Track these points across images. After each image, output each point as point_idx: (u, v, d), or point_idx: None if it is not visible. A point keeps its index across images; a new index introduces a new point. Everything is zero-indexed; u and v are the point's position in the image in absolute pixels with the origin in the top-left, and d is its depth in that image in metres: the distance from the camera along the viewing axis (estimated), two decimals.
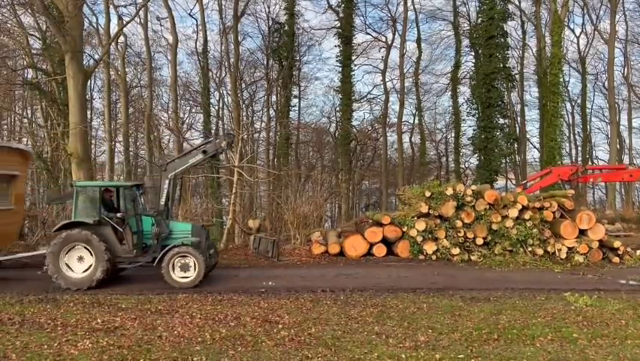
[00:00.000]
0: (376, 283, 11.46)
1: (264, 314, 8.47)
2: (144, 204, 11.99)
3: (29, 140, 30.74)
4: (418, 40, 35.80)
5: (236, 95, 29.54)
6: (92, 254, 10.54)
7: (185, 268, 10.75)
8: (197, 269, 10.72)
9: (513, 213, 14.77)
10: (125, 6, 26.35)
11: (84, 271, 10.57)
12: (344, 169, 32.26)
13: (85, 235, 10.51)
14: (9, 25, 20.93)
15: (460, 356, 6.47)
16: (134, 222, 11.10)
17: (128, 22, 22.60)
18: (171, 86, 30.62)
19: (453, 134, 37.28)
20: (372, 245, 15.31)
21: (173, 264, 10.72)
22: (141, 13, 26.71)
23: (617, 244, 14.75)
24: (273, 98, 34.76)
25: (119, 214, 11.11)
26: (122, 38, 28.20)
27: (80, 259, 10.63)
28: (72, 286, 10.40)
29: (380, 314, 8.51)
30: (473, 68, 33.60)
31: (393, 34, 36.00)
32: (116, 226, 10.90)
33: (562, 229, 14.66)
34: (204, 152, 11.55)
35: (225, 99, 34.68)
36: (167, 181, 11.21)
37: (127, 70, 31.39)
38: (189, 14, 41.45)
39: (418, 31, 35.97)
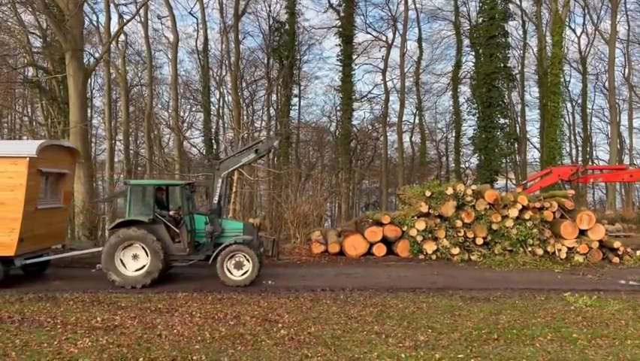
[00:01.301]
0: (376, 282, 11.46)
1: (264, 313, 8.47)
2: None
3: (29, 138, 30.76)
4: (419, 40, 35.86)
5: (236, 94, 29.53)
6: (146, 252, 10.60)
7: (239, 266, 10.83)
8: (251, 267, 10.79)
9: (513, 213, 14.77)
10: (125, 4, 26.41)
11: (139, 270, 10.63)
12: (344, 168, 32.27)
13: (140, 234, 10.56)
14: (9, 24, 20.93)
15: (459, 355, 6.47)
16: (189, 220, 11.17)
17: (128, 21, 22.61)
18: (171, 84, 30.63)
19: (453, 134, 37.30)
20: (372, 245, 15.31)
21: (227, 262, 10.81)
22: (142, 11, 26.70)
23: (617, 244, 14.75)
24: (274, 97, 34.79)
25: (171, 212, 11.30)
26: (122, 37, 28.24)
27: (135, 257, 10.70)
28: (127, 285, 10.44)
29: (380, 314, 8.51)
30: (474, 68, 33.60)
31: (394, 34, 36.06)
32: (169, 224, 10.99)
33: (562, 229, 14.66)
34: (256, 151, 11.63)
35: (226, 98, 34.73)
36: (220, 180, 11.29)
37: (127, 68, 31.40)
38: (190, 13, 41.69)
39: (419, 30, 36.04)
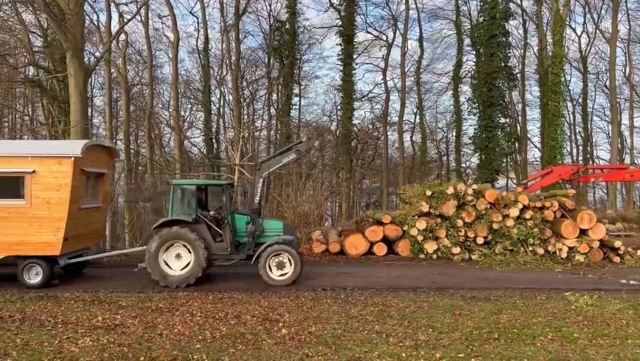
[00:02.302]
0: (377, 282, 11.47)
1: (265, 313, 8.47)
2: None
3: (30, 138, 30.78)
4: (420, 39, 35.82)
5: (237, 94, 29.54)
6: (190, 252, 10.64)
7: (280, 266, 10.88)
8: (293, 267, 10.84)
9: (514, 212, 14.76)
10: (126, 4, 26.42)
11: (182, 269, 10.67)
12: (345, 168, 32.23)
13: (184, 233, 10.60)
14: (10, 23, 20.93)
15: (460, 355, 6.47)
16: (232, 220, 11.22)
17: (129, 20, 22.63)
18: (172, 84, 30.63)
19: (454, 134, 37.25)
20: (372, 244, 15.32)
21: (270, 262, 10.84)
22: (142, 10, 26.71)
23: (617, 243, 14.74)
24: (274, 96, 34.77)
25: (211, 212, 11.37)
26: (123, 36, 28.24)
27: (178, 256, 10.74)
28: (171, 284, 10.49)
29: (380, 313, 8.51)
30: (474, 67, 33.56)
31: (395, 33, 36.04)
32: (210, 223, 11.04)
33: (563, 228, 14.65)
34: (297, 151, 11.69)
35: (226, 97, 34.69)
36: (261, 180, 11.32)
37: (128, 68, 31.40)
38: (190, 12, 41.62)
39: (420, 29, 36.02)
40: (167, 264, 10.70)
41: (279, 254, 10.87)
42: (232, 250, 11.08)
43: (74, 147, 10.96)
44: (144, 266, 10.85)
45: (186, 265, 10.68)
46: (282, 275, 10.86)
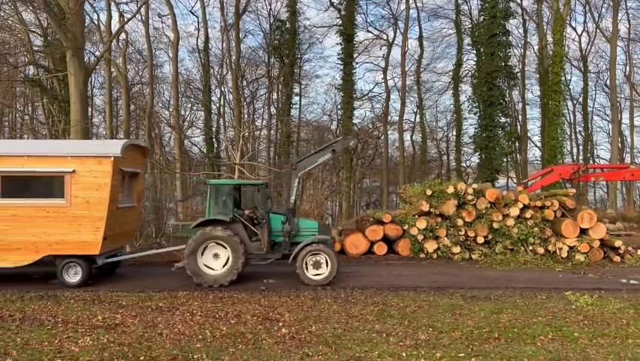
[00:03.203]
0: (377, 281, 11.47)
1: (265, 312, 8.47)
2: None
3: (30, 137, 30.79)
4: (420, 38, 35.76)
5: (237, 93, 29.50)
6: (227, 251, 10.71)
7: (317, 265, 10.92)
8: (329, 266, 10.88)
9: (514, 212, 14.76)
10: (126, 3, 26.36)
11: (219, 268, 10.75)
12: (345, 167, 32.21)
13: (222, 233, 10.68)
14: (10, 22, 20.90)
15: (460, 354, 6.46)
16: (269, 219, 11.25)
17: (129, 20, 22.56)
18: (172, 83, 30.60)
19: (454, 133, 37.23)
20: (372, 243, 15.31)
21: (307, 262, 10.87)
22: (142, 10, 26.67)
23: (618, 243, 14.74)
24: (274, 95, 34.75)
25: (246, 211, 11.48)
26: (123, 35, 28.16)
27: (216, 256, 10.82)
28: (209, 283, 10.56)
29: (381, 313, 8.51)
30: (475, 67, 33.54)
31: (395, 32, 35.97)
32: (246, 223, 11.12)
33: (563, 228, 14.65)
34: (333, 150, 11.74)
35: (226, 97, 34.65)
36: (297, 180, 11.38)
37: (128, 67, 31.35)
38: (190, 11, 41.71)
39: (420, 29, 35.95)
40: (205, 263, 10.77)
41: (316, 254, 10.91)
42: (268, 249, 11.14)
43: (114, 146, 11.05)
44: (181, 266, 10.97)
45: (224, 265, 10.76)
46: (318, 275, 10.91)
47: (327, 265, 10.90)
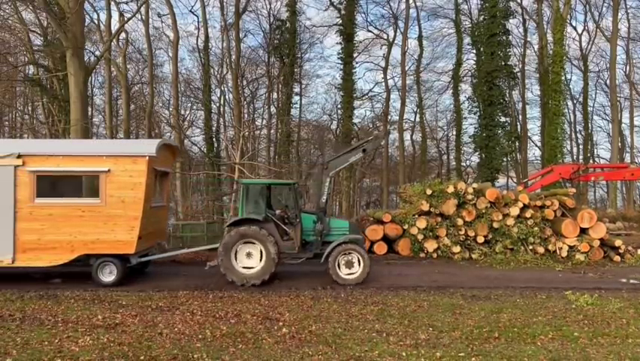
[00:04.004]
0: (377, 281, 11.45)
1: (265, 312, 8.47)
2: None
3: (30, 137, 30.78)
4: (420, 38, 35.74)
5: (237, 92, 29.49)
6: (261, 250, 10.74)
7: (349, 264, 10.93)
8: (362, 265, 10.89)
9: (514, 211, 14.76)
10: (126, 2, 26.37)
11: (253, 267, 10.78)
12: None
13: (256, 232, 10.71)
14: (10, 22, 20.90)
15: (460, 354, 6.46)
16: (303, 218, 11.25)
17: (129, 19, 22.61)
18: (172, 82, 30.59)
19: (454, 132, 37.23)
20: (372, 243, 15.31)
21: (339, 261, 10.88)
22: (142, 9, 26.66)
23: (618, 242, 14.74)
24: (274, 95, 34.75)
25: (277, 211, 11.50)
26: (123, 35, 28.16)
27: (249, 255, 10.83)
28: (241, 282, 10.59)
29: (381, 312, 8.51)
30: (475, 66, 33.53)
31: (395, 32, 35.99)
32: (278, 222, 11.15)
33: (563, 227, 14.65)
34: (364, 150, 11.75)
35: (226, 96, 34.65)
36: (328, 179, 11.36)
37: (128, 66, 31.35)
38: (190, 11, 41.72)
39: (420, 28, 35.94)
40: (237, 262, 10.81)
41: (348, 253, 10.92)
42: (300, 248, 11.16)
43: (149, 146, 11.06)
44: (214, 265, 11.02)
45: (256, 264, 10.78)
46: (351, 274, 10.91)
47: (359, 265, 10.91)
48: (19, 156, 10.46)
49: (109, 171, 10.51)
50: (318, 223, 11.17)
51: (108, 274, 10.70)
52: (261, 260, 10.75)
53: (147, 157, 10.64)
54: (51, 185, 10.63)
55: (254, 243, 10.78)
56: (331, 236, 11.28)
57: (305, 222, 11.29)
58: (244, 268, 10.77)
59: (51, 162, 10.52)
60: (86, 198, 10.73)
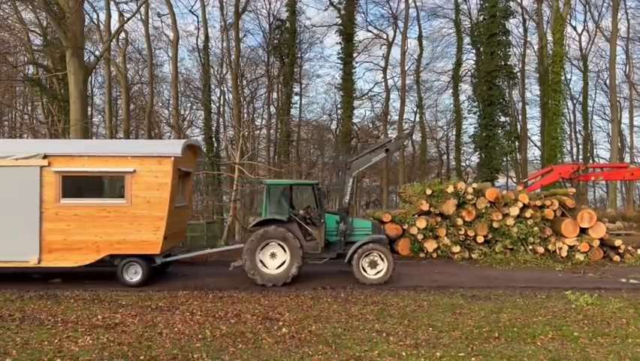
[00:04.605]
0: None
1: (265, 311, 8.47)
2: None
3: (30, 136, 30.77)
4: (420, 38, 35.76)
5: (237, 92, 29.48)
6: (285, 251, 10.74)
7: (373, 265, 10.94)
8: (386, 265, 10.90)
9: (514, 211, 14.76)
10: (125, 2, 26.37)
11: (278, 267, 10.79)
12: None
13: (281, 232, 10.72)
14: (10, 22, 20.89)
15: (460, 354, 6.46)
16: (326, 218, 11.23)
17: (129, 19, 22.61)
18: (172, 82, 30.59)
19: (454, 132, 37.22)
20: None
21: (362, 261, 10.90)
22: (142, 9, 26.65)
23: (617, 242, 14.74)
24: (274, 95, 34.73)
25: (300, 211, 11.50)
26: (122, 35, 28.16)
27: (273, 255, 10.85)
28: (268, 282, 10.61)
29: (381, 312, 8.51)
30: (474, 66, 33.55)
31: (395, 32, 35.99)
32: (301, 222, 11.14)
33: (563, 227, 14.65)
34: (387, 150, 11.74)
35: (226, 96, 34.63)
36: (351, 179, 11.35)
37: (128, 66, 31.33)
38: (190, 11, 41.72)
39: (420, 28, 35.94)
40: (262, 262, 10.82)
41: (371, 253, 10.93)
42: (323, 248, 11.15)
43: (175, 146, 11.08)
44: (238, 265, 11.05)
45: (281, 264, 10.79)
46: (375, 274, 10.93)
47: (383, 264, 10.92)
48: (44, 157, 10.48)
49: (134, 171, 10.52)
50: (342, 223, 11.17)
51: (133, 274, 10.73)
52: (285, 261, 10.76)
53: (173, 158, 10.65)
54: (76, 185, 10.64)
55: (278, 243, 10.79)
56: (354, 236, 11.29)
57: (328, 222, 11.29)
58: (269, 268, 10.79)
59: (76, 163, 10.54)
60: (112, 199, 10.77)
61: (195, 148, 13.39)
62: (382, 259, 10.95)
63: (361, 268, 10.89)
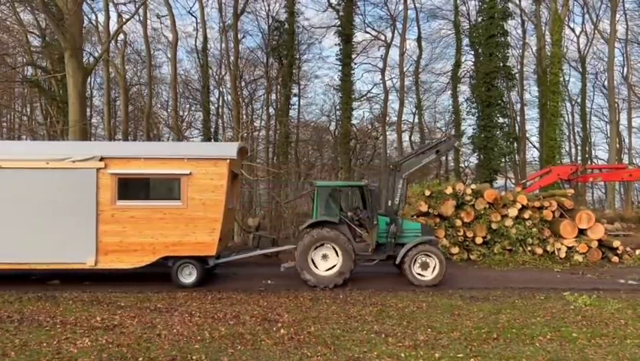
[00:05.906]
0: (375, 281, 11.46)
1: (264, 313, 8.47)
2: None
3: (29, 138, 30.73)
4: (418, 39, 35.78)
5: (236, 94, 29.45)
6: (337, 252, 10.75)
7: (424, 266, 10.95)
8: (437, 267, 10.90)
9: (512, 212, 14.77)
10: (124, 3, 26.33)
11: (329, 269, 10.79)
12: (344, 168, 32.21)
13: (333, 234, 10.75)
14: (8, 23, 20.88)
15: (459, 355, 6.47)
16: (378, 220, 11.22)
17: (127, 20, 22.50)
18: (171, 83, 30.56)
19: (453, 133, 37.24)
20: None
21: (414, 263, 10.90)
22: (141, 10, 26.66)
23: (616, 243, 14.76)
24: (273, 96, 34.66)
25: (349, 212, 11.55)
26: (121, 36, 28.15)
27: (324, 257, 10.87)
28: (320, 284, 10.64)
29: (379, 313, 8.52)
30: (473, 67, 33.57)
31: (393, 33, 35.98)
32: (351, 224, 11.15)
33: (561, 228, 14.67)
34: (437, 151, 11.76)
35: (225, 97, 34.62)
36: (401, 181, 11.34)
37: (126, 67, 31.33)
38: (189, 12, 41.58)
39: (419, 29, 35.96)
40: (314, 264, 10.85)
41: (425, 255, 10.93)
42: (374, 250, 11.13)
43: (230, 149, 11.10)
44: (289, 266, 11.10)
45: (332, 266, 10.80)
46: (426, 275, 10.94)
47: (435, 266, 10.92)
48: (101, 159, 10.51)
49: (190, 173, 10.57)
50: (392, 225, 11.16)
51: (187, 276, 10.78)
52: (337, 262, 10.77)
53: (228, 160, 10.69)
54: (132, 187, 10.67)
55: (329, 245, 10.81)
56: (404, 238, 11.27)
57: (379, 224, 11.28)
58: (319, 269, 10.80)
59: (132, 165, 10.57)
60: (168, 201, 10.74)
61: (244, 150, 13.39)
62: (434, 260, 10.93)
63: (413, 270, 10.89)
